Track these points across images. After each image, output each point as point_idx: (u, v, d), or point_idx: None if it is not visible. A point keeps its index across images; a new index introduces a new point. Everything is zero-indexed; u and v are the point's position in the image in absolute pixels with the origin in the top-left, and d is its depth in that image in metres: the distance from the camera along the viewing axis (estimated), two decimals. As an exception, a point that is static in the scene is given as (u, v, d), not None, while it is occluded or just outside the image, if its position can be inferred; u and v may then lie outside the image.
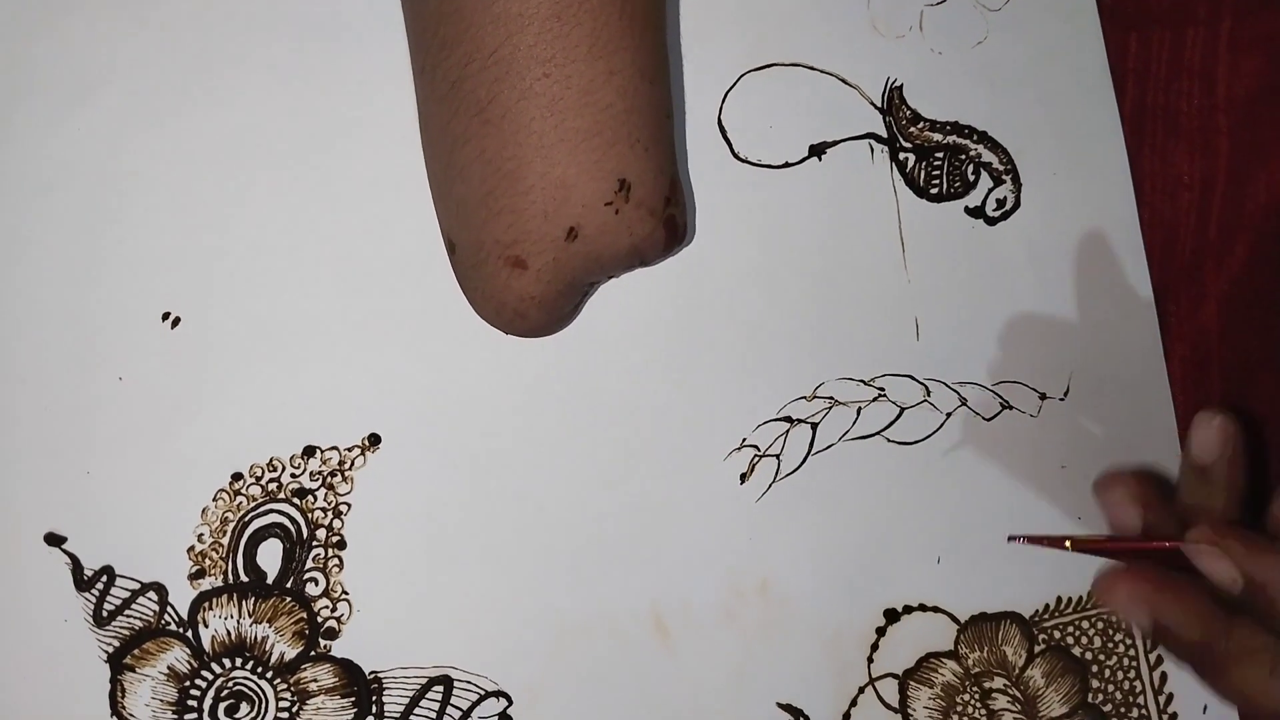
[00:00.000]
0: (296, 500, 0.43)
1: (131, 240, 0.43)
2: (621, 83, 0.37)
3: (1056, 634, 0.46)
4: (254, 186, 0.44)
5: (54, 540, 0.43)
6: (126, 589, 0.43)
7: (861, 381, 0.46)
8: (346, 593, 0.44)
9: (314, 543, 0.43)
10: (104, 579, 0.43)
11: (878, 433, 0.46)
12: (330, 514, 0.44)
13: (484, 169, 0.37)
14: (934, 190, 0.46)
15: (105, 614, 0.43)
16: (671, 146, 0.40)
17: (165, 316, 0.43)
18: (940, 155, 0.46)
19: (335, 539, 0.44)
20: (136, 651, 0.43)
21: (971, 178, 0.46)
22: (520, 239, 0.38)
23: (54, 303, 0.43)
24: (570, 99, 0.37)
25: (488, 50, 0.36)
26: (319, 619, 0.43)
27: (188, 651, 0.43)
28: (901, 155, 0.46)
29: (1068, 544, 0.41)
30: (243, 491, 0.43)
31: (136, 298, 0.43)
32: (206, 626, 0.43)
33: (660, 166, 0.39)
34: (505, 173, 0.37)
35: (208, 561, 0.43)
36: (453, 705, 0.43)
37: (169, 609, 0.43)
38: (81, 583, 0.43)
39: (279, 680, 0.43)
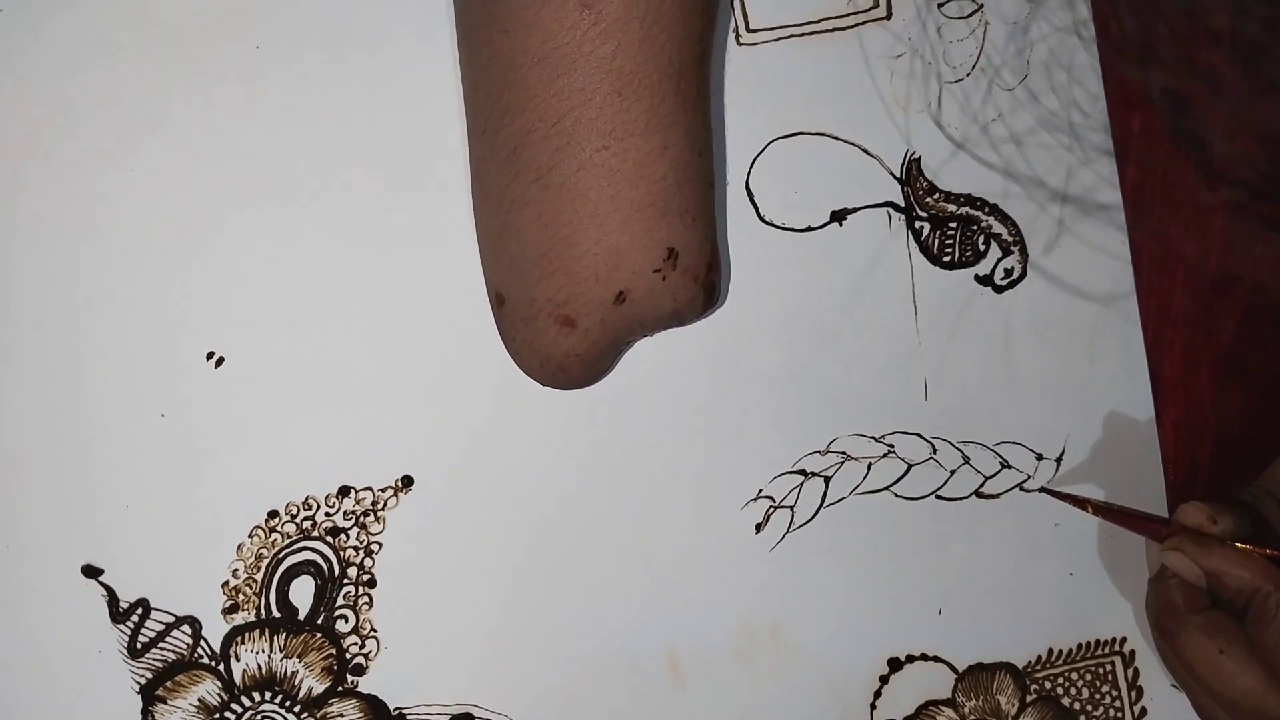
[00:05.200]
0: (329, 539, 0.45)
1: (179, 281, 0.44)
2: (674, 156, 0.39)
3: (1048, 684, 0.48)
4: (300, 233, 0.45)
5: (91, 572, 0.44)
6: (161, 622, 0.44)
7: (872, 438, 0.48)
8: (375, 630, 0.45)
9: (345, 580, 0.45)
10: (139, 611, 0.44)
11: (886, 488, 0.48)
12: (362, 553, 0.45)
13: (540, 232, 0.39)
14: (946, 258, 0.48)
15: (139, 646, 0.44)
16: (713, 215, 0.42)
17: (210, 356, 0.44)
18: (954, 225, 0.48)
19: (366, 577, 0.45)
20: (169, 683, 0.44)
21: (982, 248, 0.49)
22: (571, 299, 0.39)
23: (102, 340, 0.44)
24: (627, 171, 0.38)
25: (550, 120, 0.38)
26: (347, 655, 0.45)
27: (219, 684, 0.44)
28: (917, 224, 0.48)
29: (1089, 507, 0.46)
30: (278, 529, 0.44)
31: (182, 337, 0.44)
32: (238, 660, 0.44)
33: (705, 235, 0.41)
34: (561, 237, 0.39)
35: (241, 596, 0.44)
36: (475, 742, 0.45)
37: (202, 642, 0.44)
38: (117, 615, 0.44)
39: (306, 715, 0.44)
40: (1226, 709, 0.41)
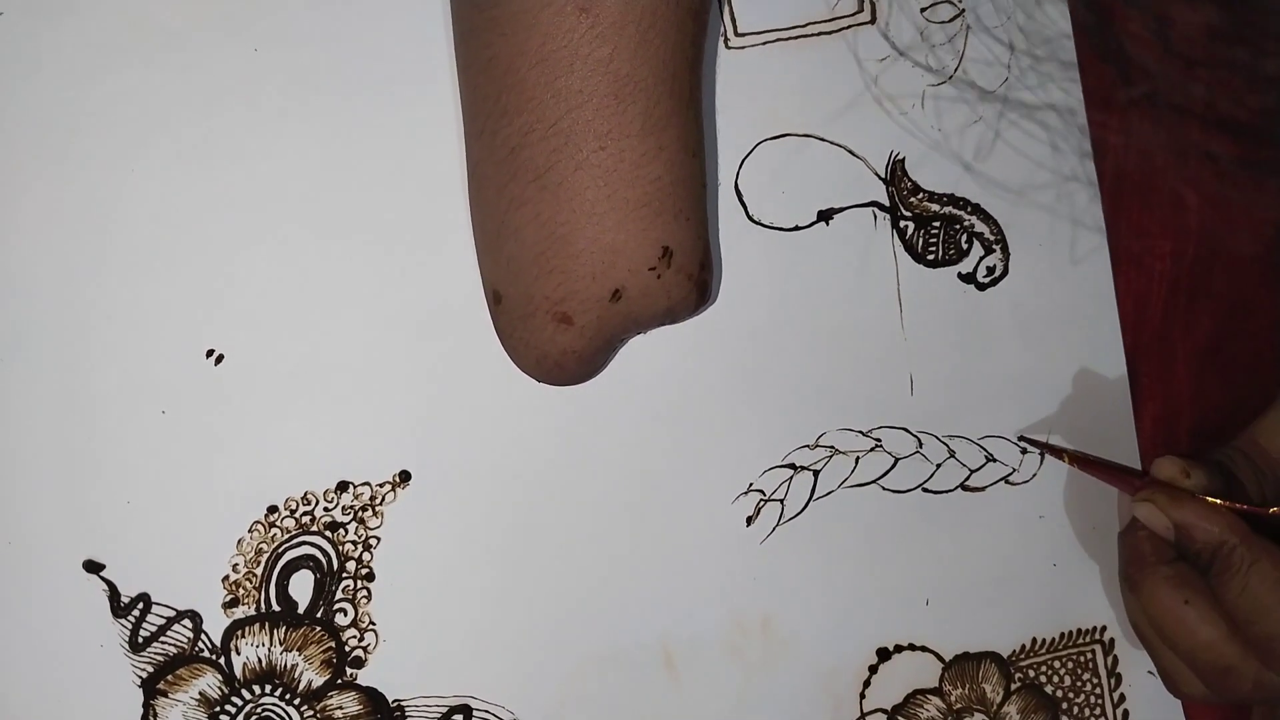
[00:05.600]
0: (328, 533, 0.45)
1: (180, 279, 0.45)
2: (669, 157, 0.40)
3: (1031, 673, 0.49)
4: (299, 231, 0.45)
5: (93, 567, 0.44)
6: (162, 616, 0.44)
7: (860, 432, 0.49)
8: (374, 623, 0.45)
9: (344, 574, 0.45)
10: (140, 606, 0.44)
11: (874, 481, 0.49)
12: (360, 547, 0.45)
13: (538, 231, 0.40)
14: (930, 256, 0.50)
15: (140, 640, 0.44)
16: (705, 214, 0.43)
17: (210, 353, 0.45)
18: (937, 224, 0.50)
19: (364, 571, 0.45)
20: (170, 677, 0.44)
21: (965, 246, 0.50)
22: (568, 297, 0.40)
23: (103, 337, 0.44)
24: (623, 171, 0.39)
25: (548, 122, 0.39)
26: (346, 648, 0.45)
27: (219, 678, 0.45)
28: (902, 223, 0.49)
29: (1065, 456, 0.48)
30: (277, 524, 0.45)
31: (183, 335, 0.45)
32: (238, 654, 0.45)
33: (698, 234, 0.42)
34: (558, 236, 0.40)
35: (241, 591, 0.45)
36: (473, 733, 0.46)
37: (203, 636, 0.45)
38: (118, 609, 0.44)
39: (306, 707, 0.45)
40: (1187, 660, 0.42)
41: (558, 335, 0.41)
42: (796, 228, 0.49)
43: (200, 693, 0.44)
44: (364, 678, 0.45)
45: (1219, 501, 0.43)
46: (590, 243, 0.40)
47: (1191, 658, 0.42)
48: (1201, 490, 0.43)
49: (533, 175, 0.39)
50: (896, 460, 0.49)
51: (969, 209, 0.50)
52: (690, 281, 0.42)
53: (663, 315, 0.42)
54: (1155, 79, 0.51)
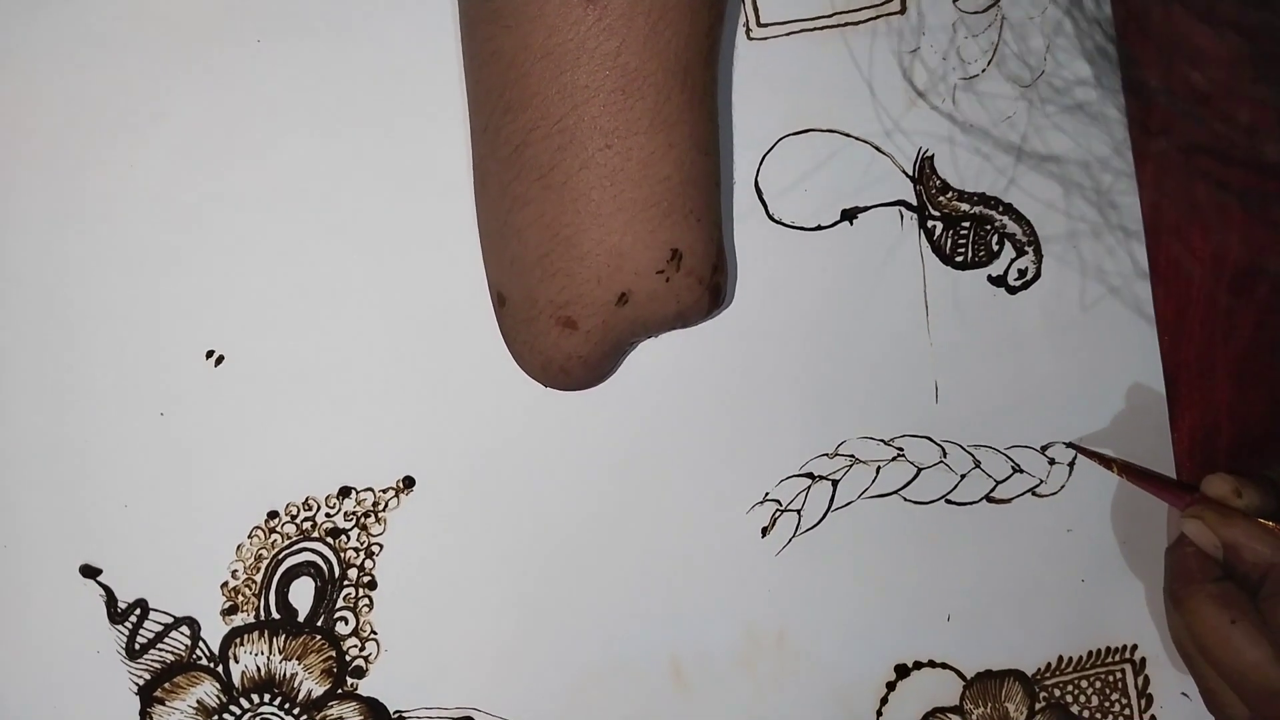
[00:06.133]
0: (330, 539, 0.44)
1: (181, 279, 0.44)
2: (679, 155, 0.38)
3: (1057, 692, 0.48)
4: (301, 230, 0.44)
5: (89, 572, 0.43)
6: (159, 622, 0.43)
7: (882, 441, 0.47)
8: (375, 632, 0.44)
9: (345, 582, 0.44)
10: (137, 612, 0.43)
11: (895, 492, 0.47)
12: (362, 554, 0.44)
13: (542, 232, 0.38)
14: (959, 258, 0.48)
15: (138, 647, 0.43)
16: (719, 215, 0.41)
17: (210, 354, 0.44)
18: (967, 225, 0.48)
19: (366, 579, 0.44)
20: (167, 685, 0.43)
21: (996, 248, 0.48)
22: (572, 301, 0.39)
23: (102, 337, 0.43)
24: (630, 170, 0.38)
25: (553, 119, 0.37)
26: (347, 657, 0.44)
27: (217, 686, 0.44)
28: (930, 223, 0.47)
29: (1115, 467, 0.46)
30: (277, 529, 0.44)
31: (182, 335, 0.44)
32: (237, 662, 0.44)
33: (710, 235, 0.40)
34: (563, 238, 0.38)
35: (240, 597, 0.44)
36: (476, 746, 0.45)
37: (201, 643, 0.44)
38: (115, 615, 0.43)
39: (305, 717, 0.44)
40: (1232, 681, 0.41)
41: (562, 340, 0.40)
42: (819, 227, 0.47)
43: (198, 701, 0.43)
44: (365, 688, 0.44)
45: (1270, 524, 0.41)
46: (595, 245, 0.38)
47: (1237, 679, 0.40)
48: (1253, 510, 0.42)
49: (537, 174, 0.38)
50: (919, 470, 0.47)
51: (1000, 209, 0.48)
52: (701, 285, 0.40)
53: (672, 320, 0.40)
54: (1199, 88, 0.48)
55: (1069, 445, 0.48)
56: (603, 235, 0.38)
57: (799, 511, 0.47)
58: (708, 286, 0.40)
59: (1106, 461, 0.47)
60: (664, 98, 0.38)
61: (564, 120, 0.37)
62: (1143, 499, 0.47)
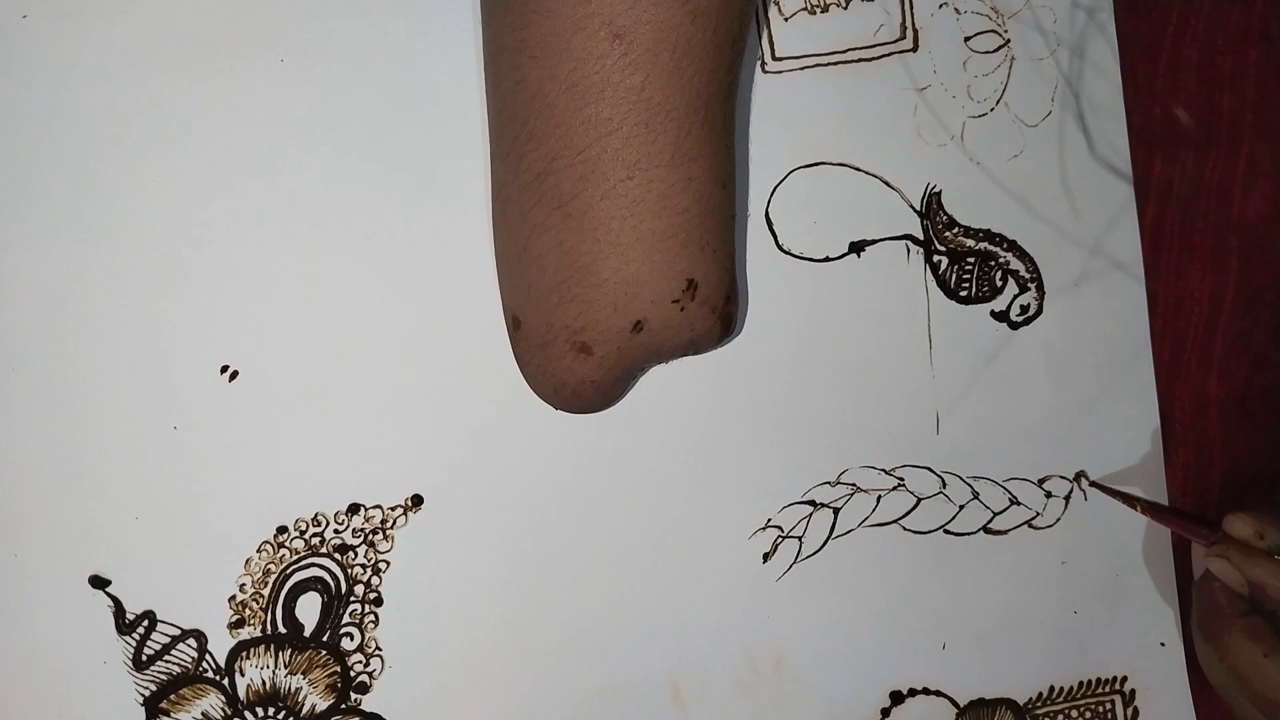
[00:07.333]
0: (337, 556, 0.44)
1: (196, 295, 0.44)
2: (699, 188, 0.39)
3: (1048, 721, 0.48)
4: (318, 248, 0.45)
5: (99, 583, 0.43)
6: (167, 634, 0.44)
7: (883, 470, 0.48)
8: (380, 649, 0.45)
9: (352, 598, 0.44)
10: (145, 623, 0.44)
11: (895, 521, 0.48)
12: (369, 571, 0.45)
13: (560, 259, 0.39)
14: (963, 292, 0.48)
15: (145, 658, 0.43)
16: (733, 246, 0.42)
17: (224, 370, 0.44)
18: (972, 260, 0.48)
19: (373, 595, 0.45)
20: (173, 696, 0.44)
21: (999, 283, 0.49)
22: (588, 327, 0.39)
23: (116, 351, 0.44)
24: (650, 202, 0.38)
25: (576, 149, 0.38)
26: (351, 673, 0.44)
27: (223, 699, 0.44)
28: (935, 258, 0.48)
29: (1138, 506, 0.48)
30: (286, 544, 0.44)
31: (196, 350, 0.44)
32: (243, 675, 0.44)
33: (724, 266, 0.41)
34: (581, 265, 0.39)
35: (248, 611, 0.44)
36: (477, 764, 0.45)
37: (207, 656, 0.44)
38: (123, 626, 0.43)
39: (309, 731, 0.44)
40: (1267, 712, 0.42)
41: (576, 364, 0.40)
42: (827, 259, 0.48)
43: (203, 713, 0.44)
44: (369, 704, 0.45)
45: None
46: (613, 273, 0.39)
47: (1273, 709, 0.42)
48: (1276, 549, 0.43)
49: (557, 202, 0.38)
50: (919, 500, 0.48)
51: (1005, 245, 0.49)
52: (714, 314, 0.41)
53: (685, 347, 0.41)
54: (1201, 124, 0.49)
55: (1092, 484, 0.48)
56: (621, 264, 0.39)
57: (800, 538, 0.47)
58: (720, 316, 0.41)
59: (1130, 500, 0.48)
60: (685, 132, 0.38)
61: (587, 151, 0.38)
62: (1135, 535, 0.48)
